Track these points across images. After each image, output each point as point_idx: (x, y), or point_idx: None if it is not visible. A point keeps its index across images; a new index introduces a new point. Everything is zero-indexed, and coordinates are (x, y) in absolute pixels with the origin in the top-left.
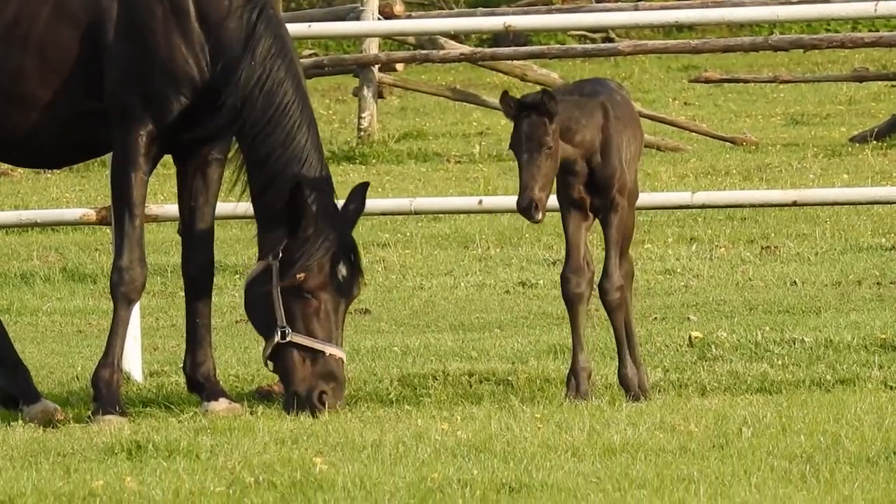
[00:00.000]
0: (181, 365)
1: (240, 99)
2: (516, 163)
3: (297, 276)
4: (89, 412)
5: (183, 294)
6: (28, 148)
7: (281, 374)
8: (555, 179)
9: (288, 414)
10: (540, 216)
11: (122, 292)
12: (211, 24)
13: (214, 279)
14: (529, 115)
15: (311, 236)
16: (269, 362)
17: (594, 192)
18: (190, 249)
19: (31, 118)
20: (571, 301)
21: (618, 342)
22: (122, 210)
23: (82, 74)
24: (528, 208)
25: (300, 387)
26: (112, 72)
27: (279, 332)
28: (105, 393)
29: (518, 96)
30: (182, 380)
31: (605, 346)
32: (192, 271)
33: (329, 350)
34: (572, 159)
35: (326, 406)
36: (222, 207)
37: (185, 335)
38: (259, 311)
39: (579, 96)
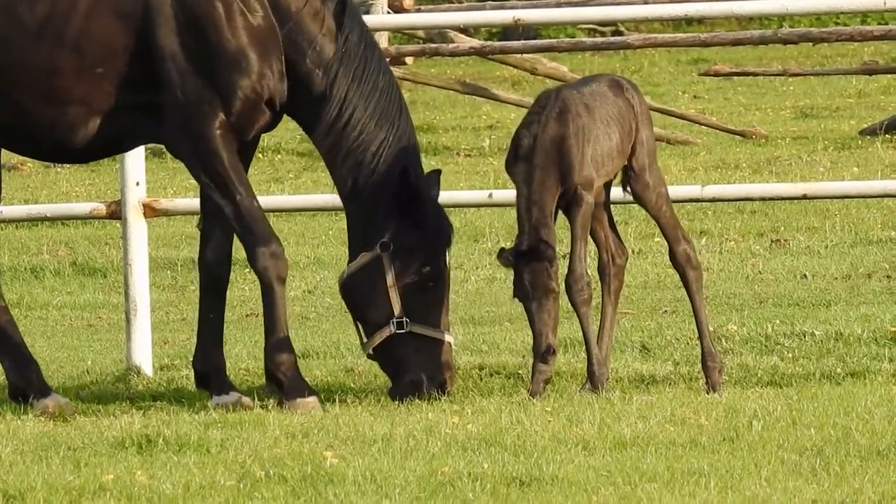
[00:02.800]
0: (191, 359)
1: (335, 86)
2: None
3: (420, 269)
4: (278, 402)
5: (194, 288)
6: (60, 143)
7: (392, 364)
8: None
9: (394, 401)
10: (555, 357)
11: (273, 272)
12: (285, 12)
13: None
14: (529, 262)
15: (428, 224)
16: (371, 352)
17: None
18: (208, 243)
19: (66, 113)
20: (577, 306)
21: (585, 339)
22: (233, 198)
23: (124, 68)
24: (545, 354)
25: (418, 375)
26: (172, 67)
27: (395, 323)
28: (290, 378)
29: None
30: (192, 374)
31: (614, 340)
32: (209, 265)
33: (445, 338)
34: None
35: (445, 394)
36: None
37: (196, 329)
38: (367, 301)
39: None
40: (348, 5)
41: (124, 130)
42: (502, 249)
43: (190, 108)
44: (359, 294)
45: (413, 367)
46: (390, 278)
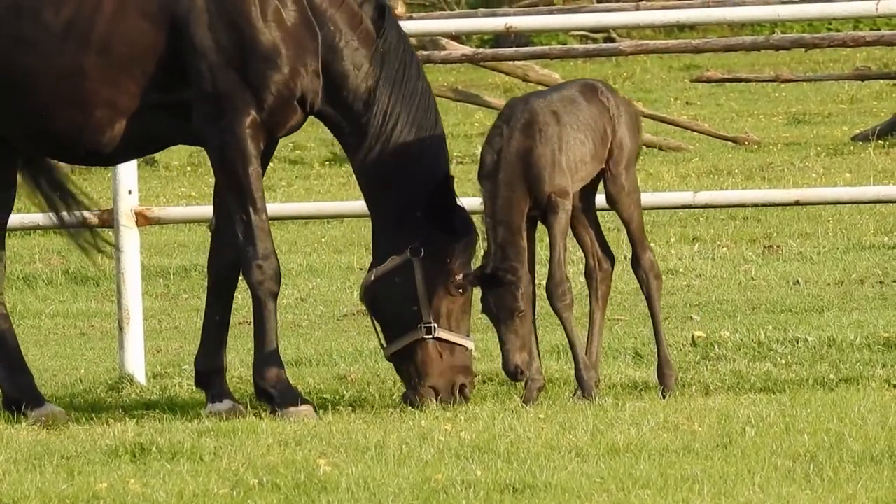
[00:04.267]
0: (193, 360)
1: (378, 90)
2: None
3: (453, 277)
4: (271, 411)
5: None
6: (87, 145)
7: (412, 369)
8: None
9: (411, 407)
10: (525, 375)
11: (267, 287)
12: (322, 14)
13: None
14: (493, 286)
15: (459, 232)
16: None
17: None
18: (219, 247)
19: (93, 115)
20: (558, 311)
21: (571, 344)
22: (245, 206)
23: (151, 68)
24: (514, 374)
25: (439, 381)
26: (203, 62)
27: (423, 328)
28: (279, 391)
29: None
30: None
31: (607, 346)
32: (219, 269)
33: (468, 344)
34: None
35: (465, 399)
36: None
37: (201, 330)
38: (395, 305)
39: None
40: (387, 10)
41: (152, 131)
42: (465, 275)
43: (220, 102)
44: (386, 297)
45: (434, 373)
46: (420, 283)
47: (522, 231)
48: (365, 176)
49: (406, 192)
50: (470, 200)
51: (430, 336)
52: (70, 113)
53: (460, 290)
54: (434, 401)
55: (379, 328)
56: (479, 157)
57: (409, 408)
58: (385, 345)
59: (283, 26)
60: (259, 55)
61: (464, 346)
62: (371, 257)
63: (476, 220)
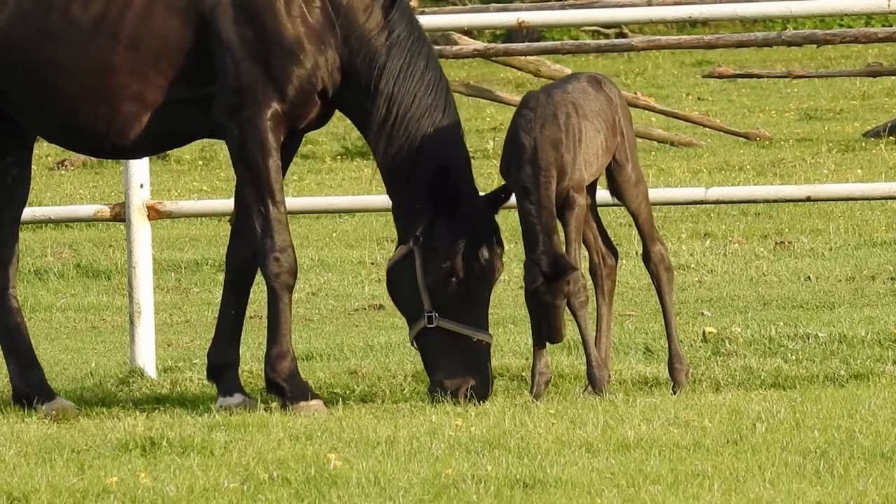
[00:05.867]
0: (206, 352)
1: (382, 80)
2: None
3: (443, 264)
4: (282, 405)
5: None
6: (115, 139)
7: (427, 361)
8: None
9: (431, 402)
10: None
11: (283, 280)
12: (338, 6)
13: None
14: (553, 283)
15: (456, 221)
16: (415, 345)
17: None
18: (238, 241)
19: (120, 110)
20: (573, 307)
21: (584, 341)
22: (264, 198)
23: (181, 62)
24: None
25: (447, 379)
26: (228, 55)
27: (426, 317)
28: (291, 385)
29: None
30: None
31: (617, 342)
32: (238, 263)
33: (477, 335)
34: None
35: (472, 401)
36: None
37: (216, 322)
38: (403, 295)
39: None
40: (399, 1)
41: (178, 125)
42: (528, 279)
43: (242, 94)
44: (396, 286)
45: (443, 369)
46: (419, 272)
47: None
48: (382, 168)
49: (417, 181)
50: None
51: (432, 325)
52: (98, 107)
53: (459, 276)
54: (447, 395)
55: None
56: (507, 146)
57: (430, 401)
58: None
59: (306, 21)
60: (282, 49)
61: (471, 336)
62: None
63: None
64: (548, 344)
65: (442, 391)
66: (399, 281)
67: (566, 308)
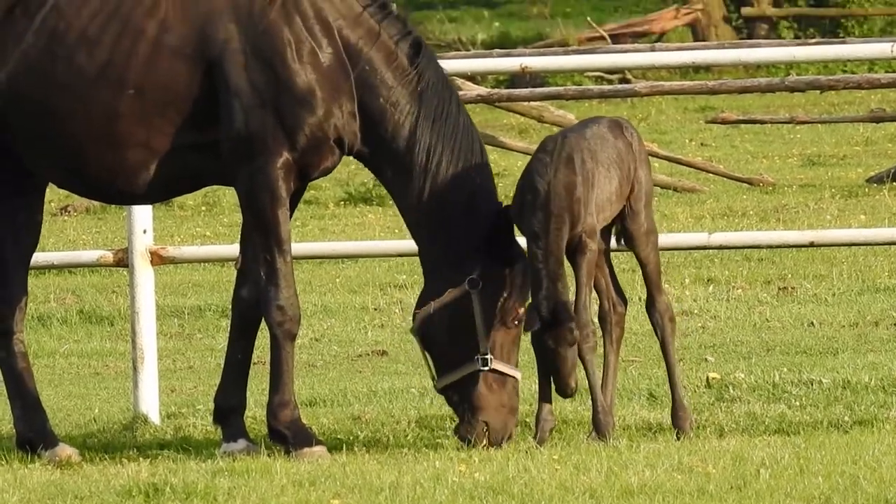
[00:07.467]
0: (213, 395)
1: (419, 128)
2: None
3: (518, 308)
4: (285, 451)
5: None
6: (123, 186)
7: (466, 402)
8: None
9: (464, 443)
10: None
11: (287, 329)
12: (356, 53)
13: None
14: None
15: (519, 264)
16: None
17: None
18: (244, 286)
19: (127, 157)
20: (581, 352)
21: (591, 386)
22: (271, 247)
23: (188, 108)
24: (572, 395)
25: (493, 415)
26: (236, 102)
27: (480, 360)
28: (293, 433)
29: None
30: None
31: (621, 388)
32: (243, 308)
33: (518, 374)
34: None
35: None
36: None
37: (222, 366)
38: (449, 338)
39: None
40: (423, 47)
41: (186, 171)
42: (527, 317)
43: (253, 142)
44: (443, 329)
45: (489, 407)
46: (479, 314)
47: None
48: (415, 214)
49: (461, 226)
50: None
51: (487, 367)
52: (104, 154)
53: (516, 322)
54: (485, 435)
55: (431, 361)
56: (519, 191)
57: (462, 443)
58: (437, 377)
59: (318, 68)
60: (294, 96)
61: (515, 377)
62: (422, 293)
63: None
64: (553, 391)
65: (485, 430)
66: (447, 323)
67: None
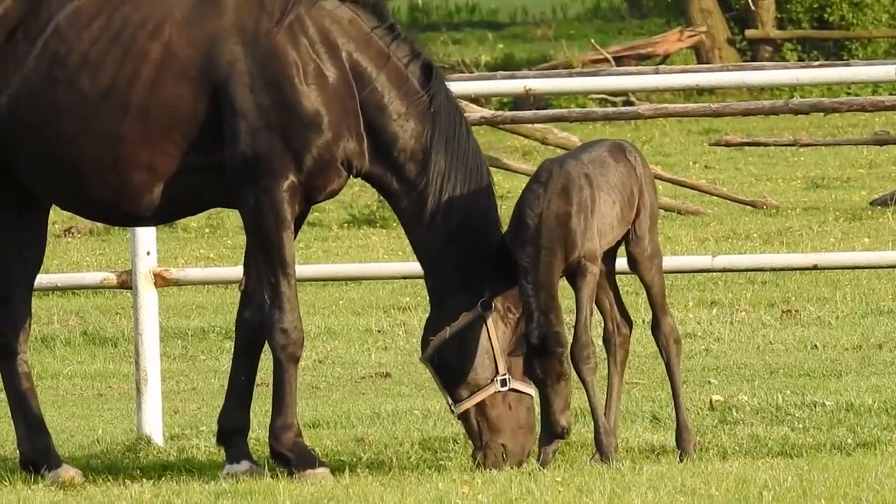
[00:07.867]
0: (217, 416)
1: (433, 151)
2: None
3: (524, 325)
4: (288, 473)
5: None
6: (128, 208)
7: (484, 425)
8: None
9: (484, 467)
10: (570, 433)
11: (290, 352)
12: (364, 75)
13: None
14: (541, 353)
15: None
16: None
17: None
18: (248, 308)
19: (132, 179)
20: (582, 374)
21: (592, 408)
22: (275, 270)
23: (193, 130)
24: (562, 434)
25: (511, 438)
26: (242, 123)
27: (499, 381)
28: (296, 455)
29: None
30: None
31: (624, 410)
32: (248, 329)
33: (533, 392)
34: None
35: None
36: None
37: (226, 388)
38: (467, 362)
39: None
40: (434, 69)
41: (191, 193)
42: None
43: (258, 164)
44: (458, 354)
45: (507, 430)
46: (494, 336)
47: (558, 292)
48: (426, 238)
49: (471, 250)
50: None
51: (506, 388)
52: (108, 177)
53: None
54: (504, 459)
55: (444, 387)
56: (512, 220)
57: (480, 467)
58: (454, 403)
59: (325, 89)
60: (300, 118)
61: (531, 395)
62: (430, 318)
63: None
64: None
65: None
66: (463, 349)
67: (575, 388)
